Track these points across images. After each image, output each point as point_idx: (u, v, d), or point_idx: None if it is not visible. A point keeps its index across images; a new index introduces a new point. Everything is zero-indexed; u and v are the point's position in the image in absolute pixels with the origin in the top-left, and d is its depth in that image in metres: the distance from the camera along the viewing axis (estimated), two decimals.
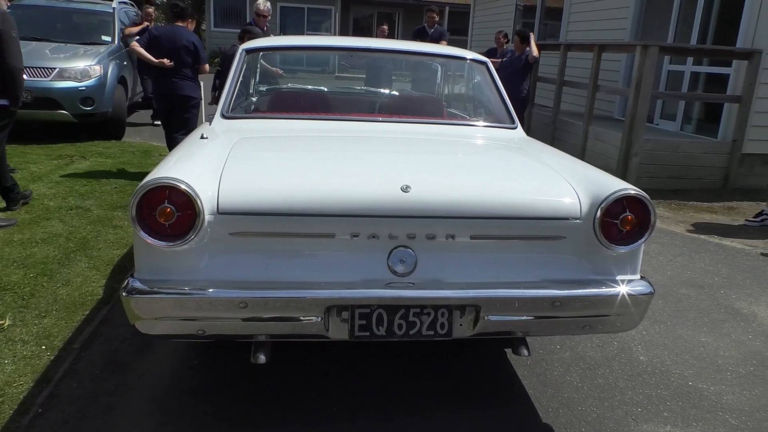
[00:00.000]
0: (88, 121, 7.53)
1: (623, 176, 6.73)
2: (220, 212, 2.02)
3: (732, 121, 6.93)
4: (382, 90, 4.25)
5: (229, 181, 2.09)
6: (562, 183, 2.29)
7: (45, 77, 7.16)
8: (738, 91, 6.83)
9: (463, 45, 16.94)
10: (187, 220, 1.98)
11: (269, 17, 6.89)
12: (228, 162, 2.24)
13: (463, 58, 3.54)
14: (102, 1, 9.09)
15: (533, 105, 9.27)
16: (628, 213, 2.16)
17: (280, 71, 5.41)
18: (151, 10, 8.93)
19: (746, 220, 5.81)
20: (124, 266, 3.81)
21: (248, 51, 3.32)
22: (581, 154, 7.66)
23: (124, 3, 10.05)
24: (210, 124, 2.96)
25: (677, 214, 6.04)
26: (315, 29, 22.73)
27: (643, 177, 6.79)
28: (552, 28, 12.43)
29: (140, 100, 9.77)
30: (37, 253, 3.93)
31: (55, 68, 7.23)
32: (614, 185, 2.20)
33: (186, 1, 23.75)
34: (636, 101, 6.61)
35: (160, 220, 1.97)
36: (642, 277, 2.27)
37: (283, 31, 22.06)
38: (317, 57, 4.81)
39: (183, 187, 1.96)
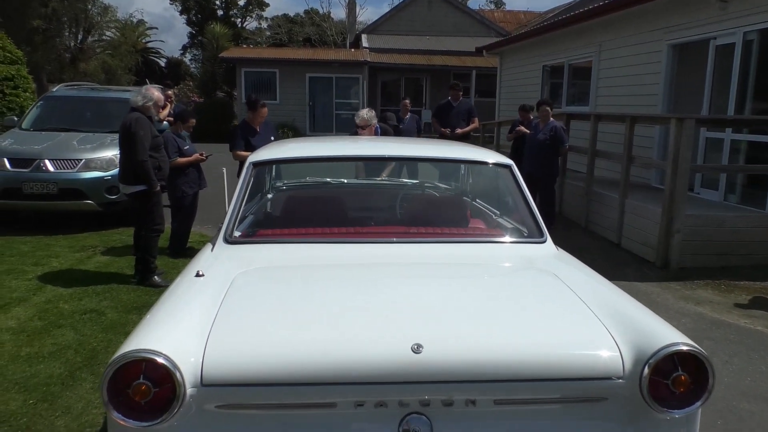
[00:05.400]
0: (114, 209, 7.52)
1: (665, 254, 6.32)
2: (205, 384, 1.78)
3: None
4: (403, 191, 3.99)
5: (216, 345, 1.85)
6: (601, 331, 1.98)
7: (71, 169, 7.24)
8: None
9: (491, 106, 16.97)
10: (165, 394, 1.74)
11: (364, 128, 6.43)
12: (218, 316, 2.00)
13: (485, 162, 3.28)
14: (130, 89, 9.27)
15: (565, 173, 8.96)
16: (680, 372, 1.83)
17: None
18: (170, 92, 9.09)
19: None
20: None
21: (256, 164, 3.12)
22: (618, 229, 7.28)
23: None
24: (212, 251, 2.75)
25: (728, 298, 5.57)
26: (344, 96, 23.09)
27: (687, 254, 6.35)
28: (581, 87, 12.17)
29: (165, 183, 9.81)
30: (41, 372, 3.74)
31: (81, 159, 7.30)
32: (663, 337, 1.88)
33: (218, 72, 23.91)
34: (674, 175, 6.25)
35: (135, 399, 1.74)
36: None
37: (313, 99, 22.54)
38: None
39: (160, 360, 1.73)
